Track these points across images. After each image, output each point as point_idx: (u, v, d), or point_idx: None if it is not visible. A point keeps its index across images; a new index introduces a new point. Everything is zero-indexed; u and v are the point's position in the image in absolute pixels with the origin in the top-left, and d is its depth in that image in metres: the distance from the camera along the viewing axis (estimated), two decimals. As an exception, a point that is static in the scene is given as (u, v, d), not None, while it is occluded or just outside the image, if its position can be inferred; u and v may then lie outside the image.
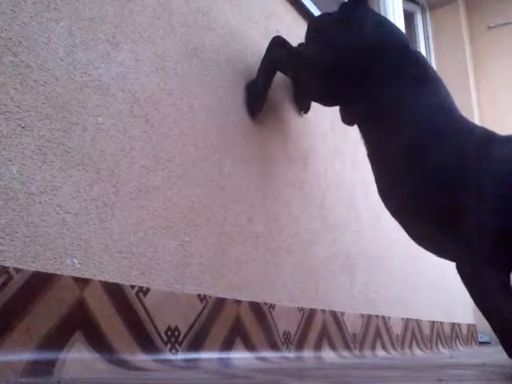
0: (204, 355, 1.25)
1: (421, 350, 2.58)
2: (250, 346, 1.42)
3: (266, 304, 1.54)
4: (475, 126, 1.37)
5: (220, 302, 1.36)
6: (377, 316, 2.23)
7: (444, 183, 1.29)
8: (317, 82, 1.56)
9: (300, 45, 1.72)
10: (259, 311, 1.50)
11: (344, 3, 1.56)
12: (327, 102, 1.67)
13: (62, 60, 1.05)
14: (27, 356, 0.88)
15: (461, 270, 1.28)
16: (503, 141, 1.28)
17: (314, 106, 1.96)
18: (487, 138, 1.30)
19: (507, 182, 1.20)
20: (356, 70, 1.45)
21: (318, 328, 1.77)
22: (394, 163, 1.40)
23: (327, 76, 1.51)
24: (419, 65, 1.44)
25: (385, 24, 1.51)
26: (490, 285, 1.20)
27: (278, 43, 1.68)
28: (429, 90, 1.40)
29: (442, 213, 1.30)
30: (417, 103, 1.38)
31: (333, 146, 2.15)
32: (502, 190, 1.20)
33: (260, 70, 1.67)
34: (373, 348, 2.12)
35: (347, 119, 1.65)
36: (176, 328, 1.21)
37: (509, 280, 1.21)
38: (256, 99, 1.64)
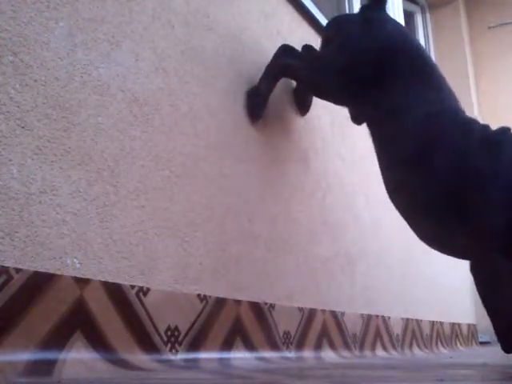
0: (204, 355, 1.25)
1: (421, 350, 2.58)
2: (249, 345, 1.42)
3: (265, 304, 1.54)
4: (479, 126, 1.40)
5: (220, 302, 1.36)
6: (377, 316, 2.23)
7: (452, 181, 1.32)
8: (332, 82, 1.58)
9: (304, 48, 1.73)
10: (259, 311, 1.50)
11: (364, 6, 1.61)
12: (340, 101, 1.69)
13: (61, 60, 1.05)
14: (27, 356, 0.88)
15: (472, 267, 1.31)
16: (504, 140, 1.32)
17: (314, 106, 1.96)
18: (491, 137, 1.34)
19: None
20: (371, 71, 1.48)
21: (318, 328, 1.77)
22: (402, 163, 1.43)
23: (343, 76, 1.54)
24: (429, 69, 1.48)
25: (400, 29, 1.57)
26: (499, 275, 1.22)
27: (286, 50, 1.69)
28: (437, 94, 1.43)
29: (450, 210, 1.32)
30: (425, 106, 1.41)
31: (333, 146, 2.15)
32: (509, 183, 1.24)
33: (265, 76, 1.67)
34: (373, 348, 2.12)
35: (356, 118, 1.66)
36: (176, 328, 1.21)
37: None
38: (258, 105, 1.64)
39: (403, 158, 1.41)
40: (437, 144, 1.35)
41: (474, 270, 1.31)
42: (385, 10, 1.60)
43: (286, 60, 1.67)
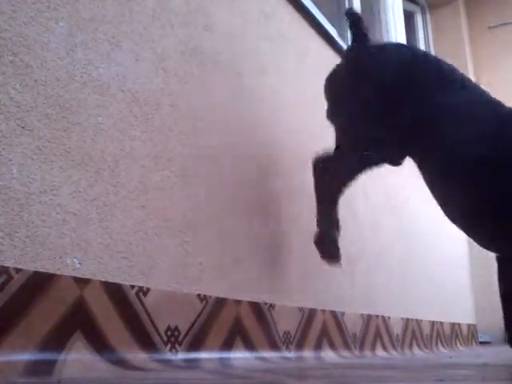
0: (204, 355, 1.25)
1: (421, 350, 2.58)
2: (249, 345, 1.42)
3: (265, 304, 1.54)
4: None
5: (220, 302, 1.36)
6: (377, 316, 2.23)
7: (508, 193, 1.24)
8: (363, 143, 1.49)
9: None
10: (259, 311, 1.50)
11: (348, 49, 1.52)
12: (384, 157, 1.54)
13: (61, 60, 1.05)
14: (27, 356, 0.88)
15: (503, 257, 1.28)
16: None
17: (314, 107, 1.96)
18: None
19: None
20: (398, 112, 1.39)
21: (318, 328, 1.77)
22: (454, 179, 1.32)
23: (375, 133, 1.45)
24: (449, 73, 1.43)
25: (398, 48, 1.51)
26: None
27: (318, 162, 1.59)
28: (469, 97, 1.37)
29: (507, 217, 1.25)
30: (468, 114, 1.33)
31: (332, 146, 2.15)
32: None
33: (321, 210, 1.58)
34: (373, 348, 2.12)
35: (394, 161, 1.55)
36: (176, 328, 1.21)
37: None
38: (330, 249, 1.59)
39: (456, 173, 1.31)
40: (492, 149, 1.26)
41: (502, 258, 1.27)
42: (369, 43, 1.52)
43: (323, 174, 1.56)
